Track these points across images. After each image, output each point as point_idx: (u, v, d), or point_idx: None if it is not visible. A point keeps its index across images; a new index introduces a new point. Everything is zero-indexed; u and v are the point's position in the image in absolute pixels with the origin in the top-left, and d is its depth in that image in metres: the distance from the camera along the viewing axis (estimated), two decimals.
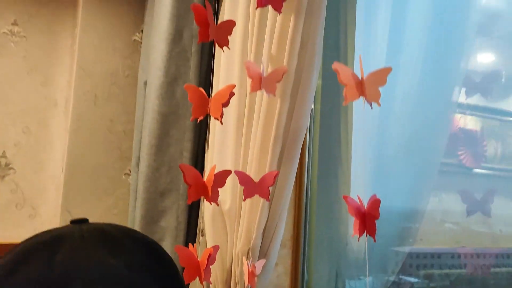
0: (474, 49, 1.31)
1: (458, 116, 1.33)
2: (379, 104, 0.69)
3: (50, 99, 2.11)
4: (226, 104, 0.97)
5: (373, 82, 0.69)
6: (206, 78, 1.52)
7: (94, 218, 1.35)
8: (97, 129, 1.94)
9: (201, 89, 1.03)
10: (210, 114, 1.00)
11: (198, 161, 1.51)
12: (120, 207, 1.95)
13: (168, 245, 1.50)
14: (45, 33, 2.11)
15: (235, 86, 0.98)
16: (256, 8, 1.03)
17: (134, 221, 1.65)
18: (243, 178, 0.90)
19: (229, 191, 1.19)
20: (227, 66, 1.26)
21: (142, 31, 2.04)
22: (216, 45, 1.03)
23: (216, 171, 0.96)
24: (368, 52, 1.35)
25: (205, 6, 1.00)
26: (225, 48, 1.03)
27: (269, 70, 1.02)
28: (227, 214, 1.20)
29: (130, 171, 1.97)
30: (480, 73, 1.28)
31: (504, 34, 1.30)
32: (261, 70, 0.95)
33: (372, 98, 0.70)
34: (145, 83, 1.74)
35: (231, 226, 1.20)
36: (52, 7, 2.12)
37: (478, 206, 1.08)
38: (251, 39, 1.13)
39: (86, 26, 1.94)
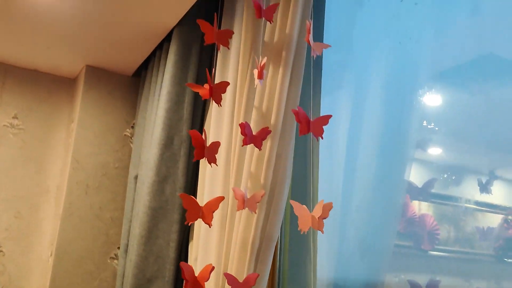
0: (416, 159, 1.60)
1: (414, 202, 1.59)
2: (322, 232, 0.96)
3: (42, 186, 2.30)
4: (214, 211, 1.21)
5: (320, 215, 0.96)
6: (192, 177, 1.76)
7: None
8: (86, 216, 2.12)
9: (194, 197, 1.26)
10: (202, 219, 1.23)
11: (182, 251, 1.71)
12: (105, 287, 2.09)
13: None
14: (42, 126, 2.34)
15: (223, 198, 1.22)
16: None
17: None
18: (232, 280, 1.11)
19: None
20: (212, 174, 1.50)
21: (132, 127, 2.29)
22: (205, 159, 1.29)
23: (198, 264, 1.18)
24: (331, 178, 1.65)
25: (201, 132, 1.25)
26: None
27: (249, 185, 1.27)
28: None
29: (116, 256, 2.13)
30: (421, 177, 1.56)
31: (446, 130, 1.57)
32: (243, 191, 1.20)
33: (318, 227, 0.97)
34: (136, 178, 1.96)
35: None
36: (50, 102, 2.37)
37: None
38: (233, 159, 1.39)
39: (83, 123, 2.18)
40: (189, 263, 1.67)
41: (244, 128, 1.16)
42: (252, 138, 1.18)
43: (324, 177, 1.62)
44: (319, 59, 1.55)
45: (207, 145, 1.26)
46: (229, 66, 1.60)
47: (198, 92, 1.59)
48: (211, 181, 1.54)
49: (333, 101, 1.74)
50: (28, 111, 2.32)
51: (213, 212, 1.23)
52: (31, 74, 2.35)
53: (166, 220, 1.71)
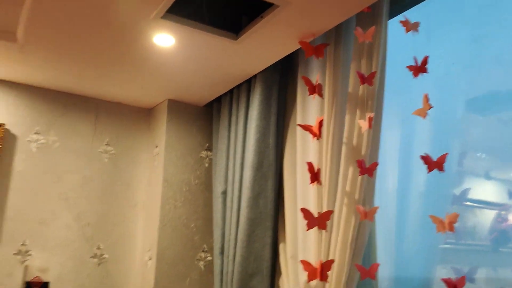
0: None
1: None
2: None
3: (131, 201, 2.72)
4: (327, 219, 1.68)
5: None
6: (279, 193, 2.22)
7: None
8: (176, 226, 2.55)
9: (310, 211, 1.72)
10: (318, 227, 1.69)
11: (275, 252, 2.17)
12: (195, 286, 2.53)
13: None
14: (128, 151, 2.77)
15: (332, 211, 1.69)
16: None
17: None
18: (360, 268, 1.58)
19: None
20: (303, 193, 1.97)
21: (206, 149, 2.72)
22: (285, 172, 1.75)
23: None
24: None
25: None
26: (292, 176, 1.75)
27: (345, 201, 1.74)
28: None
29: (201, 258, 2.57)
30: None
31: None
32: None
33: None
34: (223, 193, 2.40)
35: None
36: (133, 130, 2.81)
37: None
38: (324, 179, 1.85)
39: (168, 148, 2.61)
40: (283, 260, 2.13)
41: (361, 163, 1.64)
42: (365, 170, 1.65)
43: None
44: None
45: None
46: (309, 108, 2.07)
47: (279, 124, 2.10)
48: (303, 198, 2.00)
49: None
50: (117, 138, 2.74)
51: (326, 221, 1.70)
52: (116, 107, 2.78)
53: (261, 227, 2.16)
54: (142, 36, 1.97)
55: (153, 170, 2.69)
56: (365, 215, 1.65)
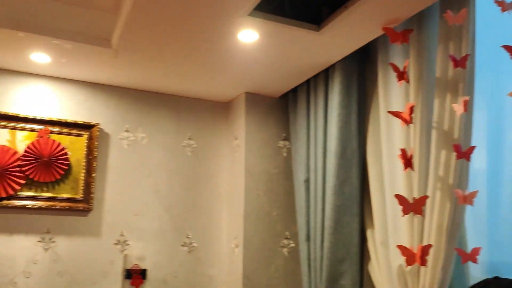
0: None
1: None
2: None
3: (214, 192, 2.84)
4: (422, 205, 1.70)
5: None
6: (364, 180, 2.26)
7: (264, 281, 2.30)
8: (260, 215, 2.64)
9: (405, 197, 1.74)
10: (413, 212, 1.71)
11: (364, 238, 2.21)
12: (280, 271, 2.62)
13: None
14: (209, 144, 2.89)
15: (428, 197, 1.70)
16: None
17: (310, 281, 2.32)
18: (460, 252, 1.59)
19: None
20: (391, 179, 1.99)
21: (283, 139, 2.79)
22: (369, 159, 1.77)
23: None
24: None
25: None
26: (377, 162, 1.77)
27: (438, 185, 1.75)
28: (409, 273, 1.88)
29: (284, 244, 2.65)
30: None
31: None
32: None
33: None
34: (306, 181, 2.46)
35: (411, 282, 1.87)
36: (212, 124, 2.92)
37: None
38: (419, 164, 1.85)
39: (248, 139, 2.70)
40: (372, 246, 2.17)
41: (458, 148, 1.64)
42: (462, 154, 1.66)
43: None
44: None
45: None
46: (392, 94, 2.08)
47: (361, 112, 2.12)
48: (391, 184, 2.02)
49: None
50: (198, 132, 2.87)
51: (422, 206, 1.71)
52: (197, 102, 2.90)
53: (348, 214, 2.21)
54: (228, 34, 2.05)
55: (234, 161, 2.80)
56: (464, 199, 1.66)
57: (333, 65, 2.35)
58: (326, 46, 2.15)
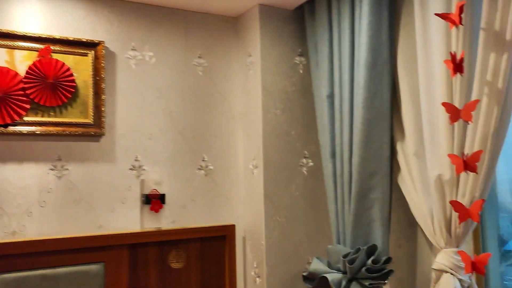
0: None
1: None
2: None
3: (228, 114, 2.72)
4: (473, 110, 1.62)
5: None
6: (394, 92, 2.16)
7: (285, 200, 2.26)
8: (279, 134, 2.55)
9: (451, 103, 1.66)
10: (463, 119, 1.64)
11: (393, 150, 2.15)
12: (300, 190, 2.58)
13: (376, 212, 2.13)
14: (220, 61, 2.73)
15: (479, 100, 1.62)
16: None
17: (335, 197, 2.29)
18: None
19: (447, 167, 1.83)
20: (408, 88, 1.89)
21: (299, 55, 2.64)
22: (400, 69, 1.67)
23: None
24: None
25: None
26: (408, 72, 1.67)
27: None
28: (448, 183, 1.84)
29: (303, 163, 2.59)
30: None
31: None
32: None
33: None
34: (329, 96, 2.36)
35: (450, 192, 1.84)
36: (222, 40, 2.74)
37: None
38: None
39: (264, 56, 2.54)
40: (402, 158, 2.11)
41: None
42: None
43: None
44: None
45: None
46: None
47: (392, 19, 1.98)
48: (427, 93, 1.93)
49: None
50: (208, 50, 2.69)
51: (471, 112, 1.63)
52: (204, 17, 2.68)
53: (378, 127, 2.13)
54: None
55: (248, 79, 2.65)
56: None
57: None
58: None
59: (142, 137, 2.47)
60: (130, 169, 2.43)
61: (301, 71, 2.65)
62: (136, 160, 2.45)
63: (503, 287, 2.14)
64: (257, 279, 2.50)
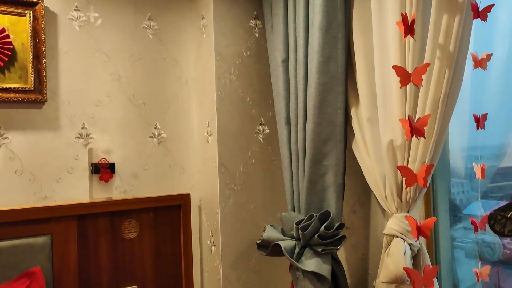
0: None
1: None
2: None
3: (181, 79, 2.62)
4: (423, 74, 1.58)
5: None
6: (349, 56, 2.10)
7: (240, 168, 2.21)
8: (234, 100, 2.48)
9: (403, 68, 1.62)
10: (413, 83, 1.60)
11: (347, 116, 2.12)
12: (256, 158, 2.53)
13: (330, 178, 2.11)
14: (172, 25, 2.59)
15: (430, 64, 1.58)
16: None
17: (291, 164, 2.25)
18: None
19: (399, 132, 1.82)
20: (363, 52, 1.85)
21: (254, 18, 2.54)
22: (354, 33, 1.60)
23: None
24: None
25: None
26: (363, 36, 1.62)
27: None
28: (399, 148, 1.83)
29: (259, 131, 2.54)
30: None
31: None
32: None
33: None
34: (284, 61, 2.28)
35: (401, 157, 1.83)
36: (177, 1, 2.59)
37: None
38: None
39: (217, 18, 2.43)
40: (356, 124, 2.09)
41: (475, 7, 1.48)
42: (478, 13, 1.51)
43: None
44: None
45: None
46: None
47: None
48: (381, 57, 1.89)
49: None
50: (159, 12, 2.55)
51: (422, 75, 1.60)
52: None
53: (332, 92, 2.08)
54: None
55: (201, 43, 2.54)
56: (477, 63, 1.56)
57: None
58: None
59: (88, 103, 2.34)
60: (77, 137, 2.31)
61: (256, 35, 2.56)
62: (83, 128, 2.33)
63: (453, 250, 2.18)
64: (213, 247, 2.47)
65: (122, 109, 2.43)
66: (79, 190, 2.30)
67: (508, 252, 2.16)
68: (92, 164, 2.33)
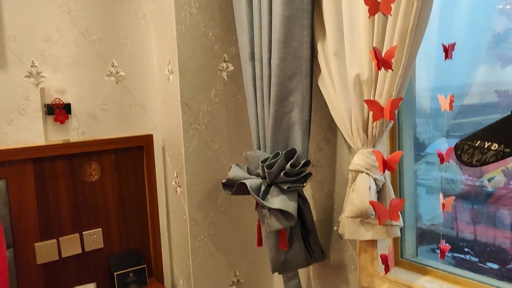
0: None
1: None
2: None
3: (139, 14, 2.45)
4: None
5: None
6: None
7: (204, 107, 2.12)
8: (195, 35, 2.35)
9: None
10: (382, 12, 1.52)
11: (313, 50, 2.04)
12: (220, 96, 2.45)
13: (296, 115, 2.06)
14: None
15: None
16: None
17: (255, 102, 2.18)
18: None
19: (366, 66, 1.76)
20: None
21: None
22: None
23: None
24: None
25: None
26: None
27: None
28: (366, 82, 1.78)
29: (223, 68, 2.44)
30: None
31: None
32: None
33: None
34: None
35: (368, 92, 1.79)
36: None
37: None
38: None
39: None
40: (322, 58, 2.02)
41: None
42: None
43: None
44: None
45: None
46: None
47: None
48: None
49: None
50: None
51: (391, 4, 1.52)
52: None
53: (298, 25, 1.98)
54: None
55: None
56: None
57: None
58: None
59: (37, 39, 2.17)
60: (26, 76, 2.16)
61: None
62: (32, 66, 2.16)
63: (416, 185, 2.21)
64: (178, 188, 2.43)
65: (74, 45, 2.26)
66: (33, 132, 2.18)
67: (465, 187, 2.20)
68: (45, 104, 2.19)
